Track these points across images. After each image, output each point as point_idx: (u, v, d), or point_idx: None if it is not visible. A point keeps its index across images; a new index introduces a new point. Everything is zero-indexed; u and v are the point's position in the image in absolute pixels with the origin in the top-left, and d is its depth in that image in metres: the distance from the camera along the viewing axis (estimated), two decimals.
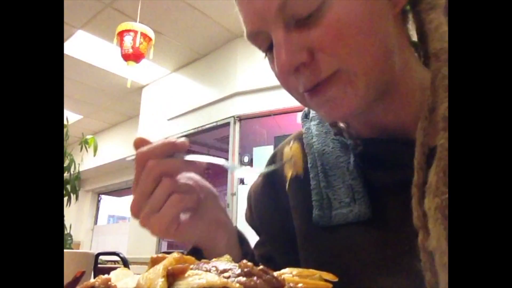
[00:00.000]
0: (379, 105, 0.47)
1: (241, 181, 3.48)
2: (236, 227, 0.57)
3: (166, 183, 0.45)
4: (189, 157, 0.46)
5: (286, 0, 0.41)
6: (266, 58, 0.50)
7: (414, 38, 0.53)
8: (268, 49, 0.48)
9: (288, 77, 0.45)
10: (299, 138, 0.60)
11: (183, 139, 0.47)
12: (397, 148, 0.48)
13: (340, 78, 0.43)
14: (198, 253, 0.53)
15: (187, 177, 0.49)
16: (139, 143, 0.47)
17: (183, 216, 0.48)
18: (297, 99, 0.49)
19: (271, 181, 0.61)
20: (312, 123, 0.59)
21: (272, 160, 0.63)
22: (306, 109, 0.62)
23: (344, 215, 0.48)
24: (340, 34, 0.41)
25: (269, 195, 0.61)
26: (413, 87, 0.48)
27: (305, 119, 0.61)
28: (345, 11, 0.41)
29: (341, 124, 0.55)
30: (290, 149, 0.50)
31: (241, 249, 0.55)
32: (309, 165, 0.54)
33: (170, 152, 0.46)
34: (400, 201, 0.46)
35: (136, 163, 0.45)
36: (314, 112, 0.60)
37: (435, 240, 0.35)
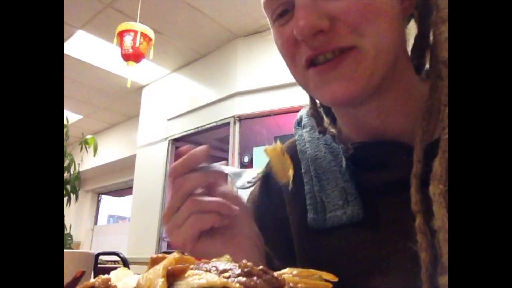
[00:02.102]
0: (372, 104, 0.49)
1: None
2: (265, 249, 0.56)
3: (188, 203, 0.47)
4: (214, 166, 0.48)
5: None
6: (272, 26, 0.51)
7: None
8: (278, 18, 0.48)
9: (293, 49, 0.47)
10: (293, 145, 0.61)
11: (203, 146, 0.49)
12: (386, 150, 0.50)
13: (354, 55, 0.44)
14: None
15: (222, 192, 0.50)
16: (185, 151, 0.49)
17: (205, 235, 0.49)
18: (296, 74, 0.50)
19: (267, 190, 0.63)
20: (304, 130, 0.60)
21: (269, 165, 0.64)
22: (298, 117, 0.64)
23: (338, 217, 0.49)
24: (365, 10, 0.43)
25: (266, 203, 0.62)
26: (404, 91, 0.50)
27: (297, 127, 0.62)
28: None
29: (332, 130, 0.56)
30: (267, 152, 0.51)
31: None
32: (302, 171, 0.56)
33: (194, 165, 0.48)
34: (390, 200, 0.48)
35: (169, 176, 0.49)
36: (305, 119, 0.61)
37: (439, 221, 0.38)
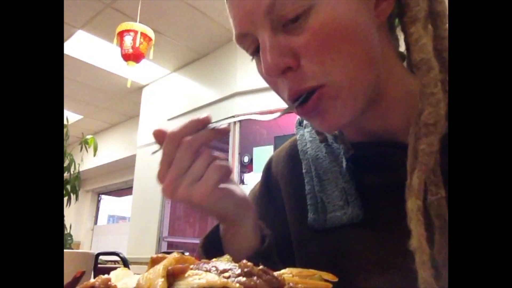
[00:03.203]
0: (367, 113, 0.48)
1: (241, 181, 3.48)
2: None
3: (206, 153, 0.45)
4: (213, 125, 0.47)
5: (274, 2, 0.42)
6: (254, 61, 0.51)
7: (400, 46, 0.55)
8: (255, 52, 0.49)
9: (275, 80, 0.47)
10: (294, 144, 0.61)
11: (205, 114, 0.47)
12: (386, 151, 0.50)
13: (327, 93, 0.43)
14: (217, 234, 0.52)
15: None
16: (160, 133, 0.47)
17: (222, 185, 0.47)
18: (286, 102, 0.49)
19: (267, 189, 0.63)
20: (306, 130, 0.60)
21: (268, 167, 0.64)
22: (298, 116, 0.63)
23: (338, 218, 0.49)
24: (325, 41, 0.42)
25: (266, 202, 0.62)
26: (399, 93, 0.49)
27: (299, 127, 0.62)
28: (330, 18, 0.42)
29: None
30: None
31: (262, 231, 0.54)
32: (303, 171, 0.56)
33: (199, 128, 0.46)
34: (391, 201, 0.47)
35: (168, 143, 0.45)
36: None
37: (415, 241, 0.37)
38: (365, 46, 0.44)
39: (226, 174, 0.46)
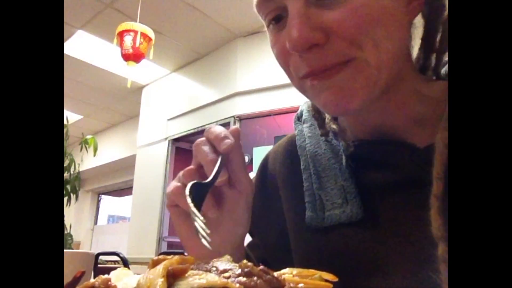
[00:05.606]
0: (374, 104, 0.47)
1: None
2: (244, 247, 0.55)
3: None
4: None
5: None
6: (268, 30, 0.48)
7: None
8: (273, 21, 0.46)
9: (288, 54, 0.44)
10: (292, 140, 0.60)
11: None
12: (388, 149, 0.49)
13: (353, 65, 0.41)
14: None
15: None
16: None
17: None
18: (293, 81, 0.48)
19: (263, 187, 0.62)
20: (305, 125, 0.59)
21: (265, 163, 0.64)
22: (298, 111, 0.62)
23: (336, 216, 0.48)
24: (361, 22, 0.40)
25: (263, 198, 0.61)
26: (408, 93, 0.48)
27: (297, 122, 0.61)
28: (370, 1, 0.40)
29: (333, 126, 0.54)
30: None
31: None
32: (302, 167, 0.54)
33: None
34: (391, 200, 0.46)
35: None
36: (306, 114, 0.60)
37: None
38: (398, 36, 0.43)
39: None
